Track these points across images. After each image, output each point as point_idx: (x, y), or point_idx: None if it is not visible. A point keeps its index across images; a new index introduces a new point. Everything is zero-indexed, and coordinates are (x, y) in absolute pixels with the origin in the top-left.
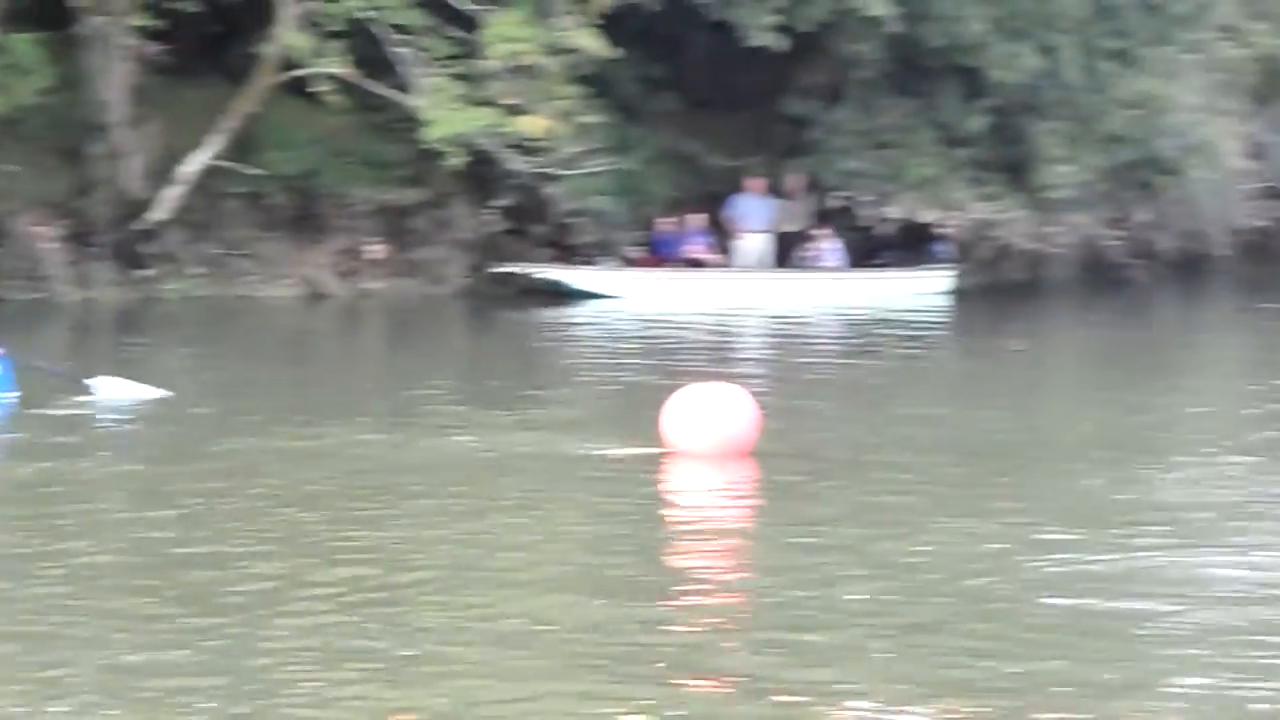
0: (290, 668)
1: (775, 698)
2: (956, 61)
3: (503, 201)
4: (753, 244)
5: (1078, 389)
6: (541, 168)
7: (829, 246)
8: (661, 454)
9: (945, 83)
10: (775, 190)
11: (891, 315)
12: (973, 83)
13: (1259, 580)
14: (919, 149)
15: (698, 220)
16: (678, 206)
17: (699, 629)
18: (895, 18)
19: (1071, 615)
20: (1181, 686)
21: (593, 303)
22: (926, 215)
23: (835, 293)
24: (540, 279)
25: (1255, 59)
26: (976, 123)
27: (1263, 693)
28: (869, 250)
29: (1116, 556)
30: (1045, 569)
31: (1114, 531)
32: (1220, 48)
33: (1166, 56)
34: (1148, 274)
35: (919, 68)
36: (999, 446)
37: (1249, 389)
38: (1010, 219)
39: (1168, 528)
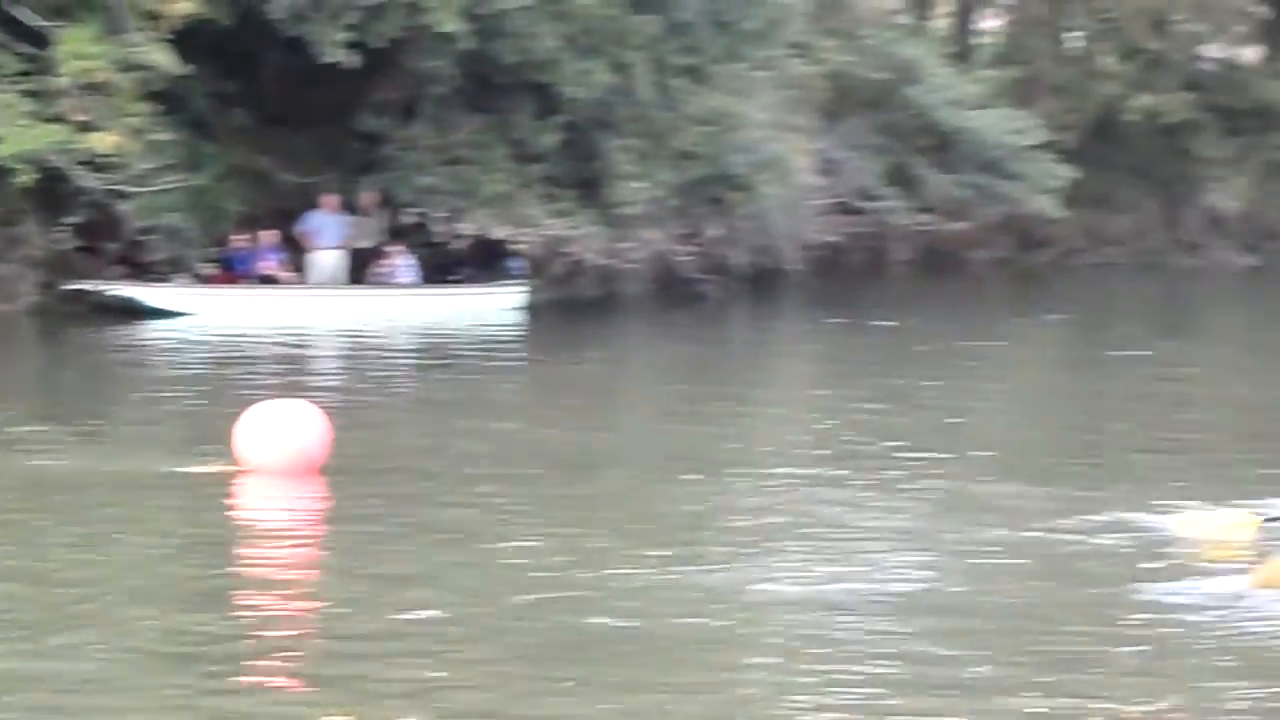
0: None
1: (328, 709)
2: (529, 78)
3: (74, 219)
4: (326, 260)
5: (649, 404)
6: (113, 185)
7: (402, 263)
8: (235, 471)
9: (518, 99)
10: (349, 206)
11: (465, 331)
12: (545, 99)
13: (816, 594)
14: (492, 165)
15: (271, 237)
16: (251, 223)
17: (266, 639)
18: (468, 34)
19: (628, 629)
20: (732, 698)
21: (166, 320)
22: (500, 231)
23: (409, 309)
24: (113, 296)
25: (825, 75)
26: (549, 139)
27: (808, 701)
28: (443, 266)
29: (678, 570)
30: (606, 582)
31: (677, 545)
32: (791, 64)
33: (737, 73)
34: (720, 289)
35: (492, 84)
36: (569, 461)
37: (817, 404)
38: (583, 235)
39: (729, 541)
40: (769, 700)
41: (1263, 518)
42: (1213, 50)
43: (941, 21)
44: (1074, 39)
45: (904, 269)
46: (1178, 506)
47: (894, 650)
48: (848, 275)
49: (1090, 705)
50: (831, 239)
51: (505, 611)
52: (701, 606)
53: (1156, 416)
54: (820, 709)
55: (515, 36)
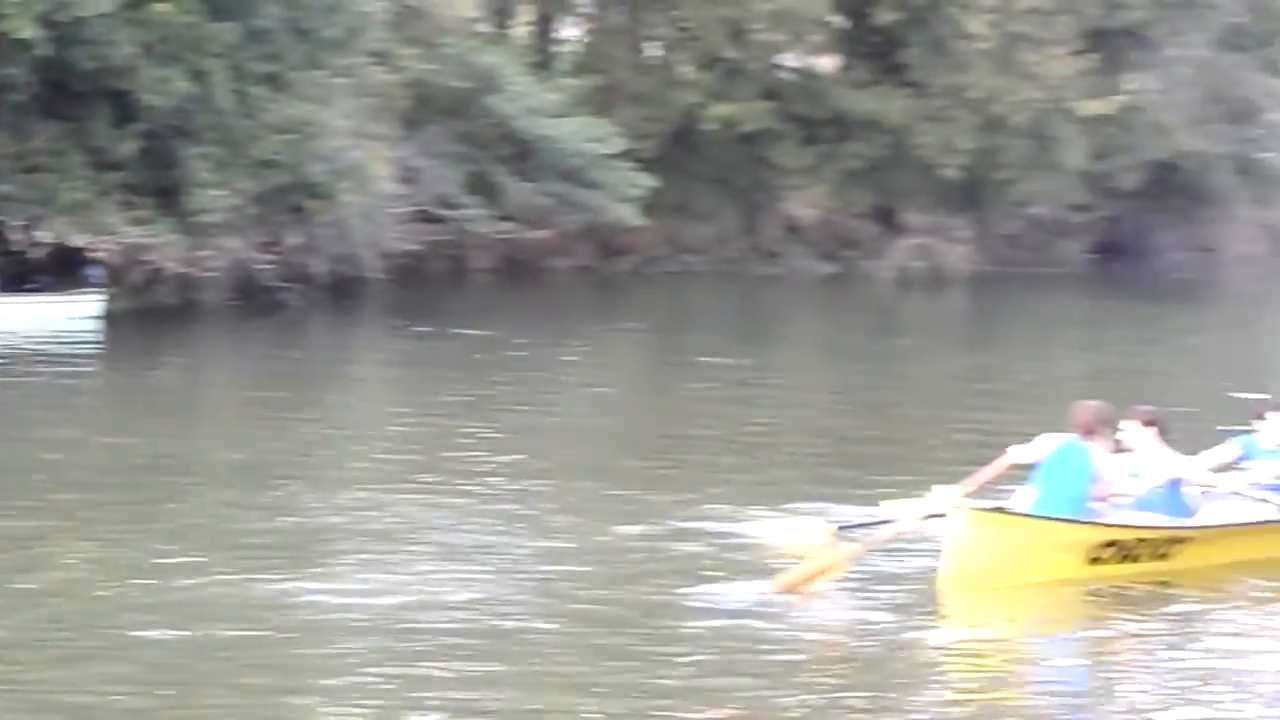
0: None
1: None
2: (107, 85)
3: None
4: None
5: (226, 413)
6: None
7: None
8: None
9: (96, 106)
10: None
11: (42, 340)
12: (124, 107)
13: (379, 604)
14: (70, 173)
15: None
16: None
17: None
18: (45, 41)
19: (182, 640)
20: (286, 709)
21: None
22: (78, 239)
23: None
24: None
25: (406, 84)
26: (128, 147)
27: (361, 711)
28: (20, 275)
29: (240, 580)
30: (165, 592)
31: (240, 555)
32: (371, 72)
33: (317, 81)
34: (301, 298)
35: (70, 91)
36: (141, 472)
37: (394, 413)
38: (162, 243)
39: (295, 551)
40: (323, 712)
41: (837, 525)
42: (790, 60)
43: (522, 30)
44: (653, 48)
45: (485, 277)
46: (755, 513)
47: (458, 658)
48: (429, 283)
49: (650, 713)
50: (412, 247)
51: (58, 619)
52: (260, 617)
53: (734, 424)
54: (373, 717)
55: (93, 44)
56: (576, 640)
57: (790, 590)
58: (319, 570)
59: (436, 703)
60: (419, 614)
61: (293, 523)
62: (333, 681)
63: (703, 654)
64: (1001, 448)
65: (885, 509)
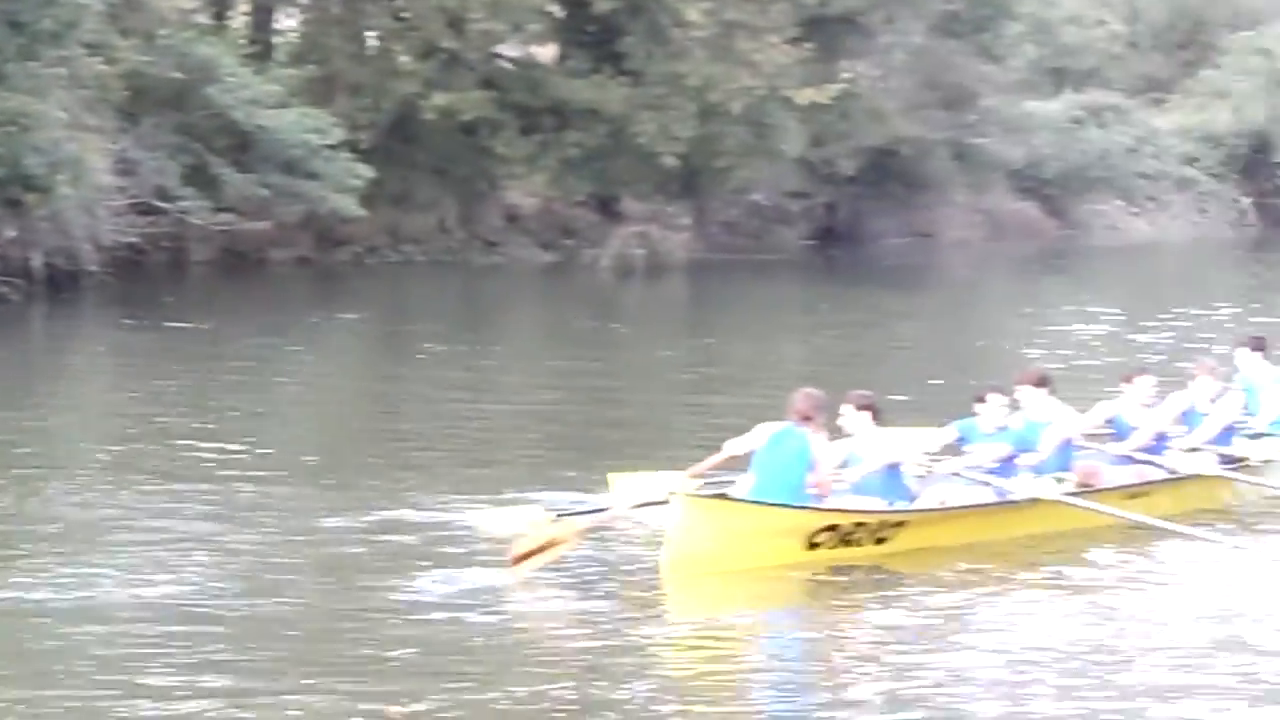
0: None
1: None
2: None
3: None
4: None
5: None
6: None
7: None
8: None
9: None
10: None
11: None
12: None
13: (79, 601)
14: None
15: None
16: None
17: None
18: None
19: None
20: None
21: None
22: None
23: None
24: None
25: (123, 75)
26: None
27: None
28: None
29: None
30: None
31: None
32: (88, 64)
33: (33, 73)
34: (19, 292)
35: None
36: None
37: (108, 407)
38: None
39: (3, 546)
40: (19, 709)
41: (555, 513)
42: (509, 49)
43: (240, 21)
44: (372, 38)
45: (205, 269)
46: (475, 502)
47: (161, 657)
48: (149, 276)
49: (358, 705)
50: (131, 240)
51: None
52: None
53: (456, 413)
54: (70, 711)
55: None
56: (285, 631)
57: (521, 561)
58: (21, 563)
59: (137, 693)
60: (123, 608)
61: None
62: (30, 673)
63: (413, 646)
64: (721, 430)
65: (607, 492)
